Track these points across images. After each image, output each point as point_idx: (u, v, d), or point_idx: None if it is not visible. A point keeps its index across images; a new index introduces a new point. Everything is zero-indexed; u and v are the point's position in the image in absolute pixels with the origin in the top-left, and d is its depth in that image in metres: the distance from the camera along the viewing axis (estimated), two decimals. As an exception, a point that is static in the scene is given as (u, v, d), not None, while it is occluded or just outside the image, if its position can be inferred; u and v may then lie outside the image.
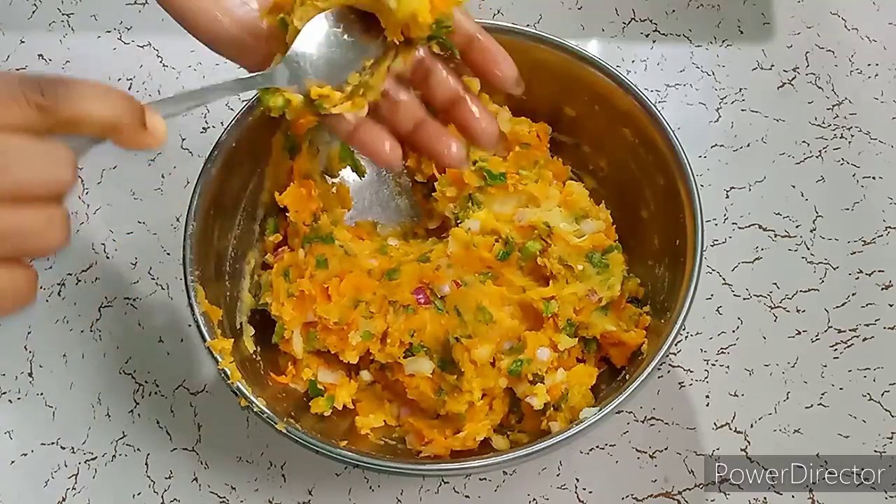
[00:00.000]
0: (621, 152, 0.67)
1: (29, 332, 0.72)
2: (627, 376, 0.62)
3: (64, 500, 0.67)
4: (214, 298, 0.61)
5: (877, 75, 0.80)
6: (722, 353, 0.70)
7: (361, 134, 0.56)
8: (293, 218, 0.66)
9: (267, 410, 0.58)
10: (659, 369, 0.57)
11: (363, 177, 0.70)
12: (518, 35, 0.67)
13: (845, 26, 0.82)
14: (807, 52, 0.81)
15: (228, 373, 0.59)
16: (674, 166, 0.63)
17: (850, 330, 0.70)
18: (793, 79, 0.80)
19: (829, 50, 0.81)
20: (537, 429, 0.62)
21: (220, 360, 0.59)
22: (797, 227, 0.74)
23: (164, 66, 0.82)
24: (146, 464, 0.68)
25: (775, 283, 0.72)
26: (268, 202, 0.68)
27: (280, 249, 0.67)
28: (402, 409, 0.65)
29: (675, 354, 0.70)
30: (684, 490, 0.66)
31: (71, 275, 0.74)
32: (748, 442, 0.67)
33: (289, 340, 0.64)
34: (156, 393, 0.70)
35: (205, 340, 0.59)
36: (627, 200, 0.68)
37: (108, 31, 0.84)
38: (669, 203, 0.63)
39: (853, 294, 0.71)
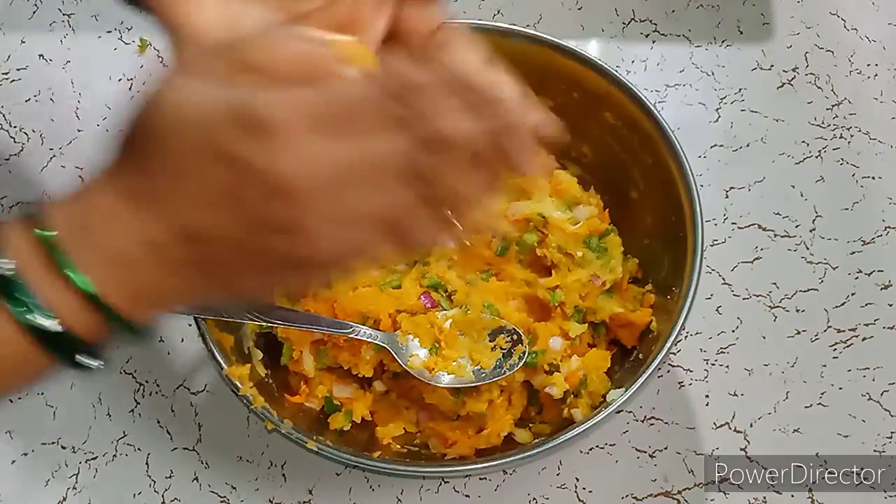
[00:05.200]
0: (604, 136, 0.68)
1: (29, 332, 0.72)
2: (640, 356, 0.62)
3: (65, 499, 0.67)
4: (220, 326, 0.61)
5: (876, 75, 0.80)
6: (721, 352, 0.70)
7: None
8: None
9: (295, 431, 0.58)
10: (672, 354, 0.57)
11: None
12: (486, 30, 0.67)
13: (845, 26, 0.82)
14: (806, 53, 0.81)
15: (250, 398, 0.58)
16: (674, 167, 0.63)
17: (849, 330, 0.70)
18: (792, 79, 0.80)
19: (829, 50, 0.81)
20: (559, 418, 0.63)
21: (240, 386, 0.58)
22: (797, 227, 0.74)
23: (164, 66, 0.82)
24: (147, 463, 0.68)
25: (775, 283, 0.72)
26: None
27: None
28: (420, 415, 0.65)
29: (674, 354, 0.70)
30: (684, 490, 0.66)
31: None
32: (748, 441, 0.67)
33: (298, 360, 0.64)
34: (156, 392, 0.70)
35: (221, 369, 0.59)
36: (615, 183, 0.68)
37: (109, 32, 0.84)
38: (659, 180, 0.64)
39: (852, 294, 0.72)
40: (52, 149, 0.79)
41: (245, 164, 0.35)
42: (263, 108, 0.34)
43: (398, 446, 0.63)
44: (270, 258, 0.37)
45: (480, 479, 0.66)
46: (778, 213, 0.75)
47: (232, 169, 0.35)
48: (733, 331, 0.71)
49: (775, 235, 0.74)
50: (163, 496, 0.67)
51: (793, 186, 0.76)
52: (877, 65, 0.80)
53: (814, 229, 0.74)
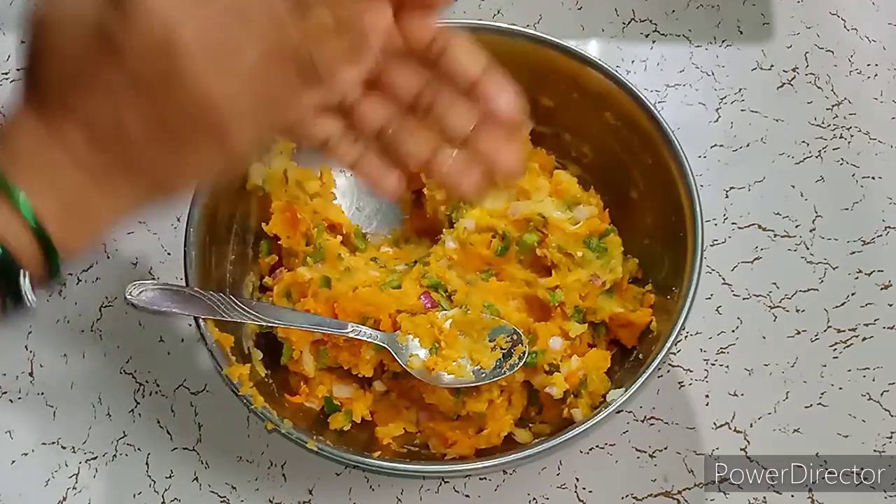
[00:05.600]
0: (604, 136, 0.68)
1: (29, 332, 0.72)
2: (640, 356, 0.62)
3: (65, 499, 0.67)
4: (220, 326, 0.61)
5: (876, 75, 0.80)
6: (721, 352, 0.70)
7: (363, 165, 0.47)
8: (285, 244, 0.66)
9: (295, 431, 0.58)
10: (672, 354, 0.57)
11: None
12: (486, 30, 0.67)
13: (845, 26, 0.82)
14: (806, 53, 0.81)
15: (250, 398, 0.58)
16: (674, 167, 0.63)
17: (849, 330, 0.70)
18: (792, 79, 0.80)
19: (829, 50, 0.81)
20: (559, 418, 0.63)
21: (240, 386, 0.59)
22: (797, 227, 0.74)
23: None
24: (147, 463, 0.68)
25: (775, 283, 0.72)
26: (257, 226, 0.68)
27: (277, 271, 0.67)
28: (420, 415, 0.65)
29: (674, 354, 0.70)
30: (684, 490, 0.66)
31: (71, 275, 0.74)
32: (748, 441, 0.67)
33: (298, 360, 0.64)
34: (156, 392, 0.70)
35: (221, 369, 0.59)
36: (615, 183, 0.69)
37: (109, 32, 0.84)
38: (659, 180, 0.64)
39: (852, 294, 0.72)
40: (52, 149, 0.79)
41: (118, 34, 0.36)
42: None
43: (398, 446, 0.63)
44: (181, 125, 0.37)
45: (480, 479, 0.66)
46: (778, 213, 0.75)
47: (108, 48, 0.36)
48: (733, 331, 0.71)
49: (775, 235, 0.74)
50: (163, 496, 0.67)
51: (793, 186, 0.76)
52: (877, 65, 0.80)
53: (814, 229, 0.74)
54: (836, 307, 0.71)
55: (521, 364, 0.61)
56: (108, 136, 0.38)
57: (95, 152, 0.38)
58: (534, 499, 0.66)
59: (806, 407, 0.68)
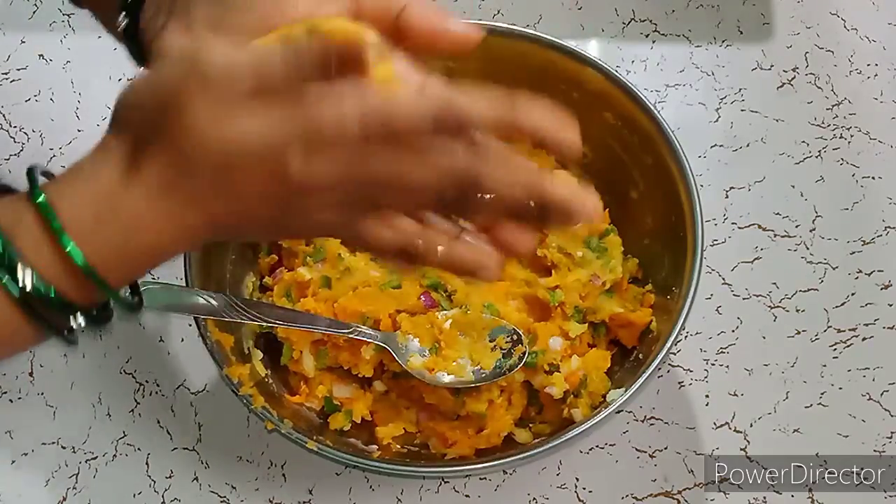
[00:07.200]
0: (604, 136, 0.68)
1: (29, 332, 0.72)
2: (640, 356, 0.63)
3: (64, 499, 0.67)
4: (220, 326, 0.61)
5: (876, 75, 0.80)
6: (721, 352, 0.70)
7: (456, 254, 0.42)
8: (285, 244, 0.66)
9: (295, 431, 0.58)
10: (672, 354, 0.57)
11: None
12: (486, 30, 0.67)
13: (845, 26, 0.82)
14: (806, 53, 0.81)
15: (251, 398, 0.58)
16: (674, 167, 0.63)
17: (849, 330, 0.70)
18: (792, 79, 0.80)
19: (829, 50, 0.81)
20: (559, 418, 0.63)
21: (240, 386, 0.59)
22: (797, 226, 0.74)
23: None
24: (147, 463, 0.68)
25: (775, 283, 0.72)
26: None
27: (278, 270, 0.67)
28: (420, 415, 0.64)
29: (674, 354, 0.70)
30: (684, 490, 0.66)
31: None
32: (748, 441, 0.67)
33: (298, 360, 0.64)
34: (156, 392, 0.70)
35: (221, 369, 0.59)
36: (615, 183, 0.68)
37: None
38: (659, 180, 0.64)
39: (852, 294, 0.72)
40: (52, 149, 0.79)
41: (293, 180, 0.38)
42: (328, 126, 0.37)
43: (398, 446, 0.63)
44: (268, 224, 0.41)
45: (480, 479, 0.66)
46: (778, 213, 0.75)
47: (283, 183, 0.38)
48: (733, 331, 0.71)
49: (775, 235, 0.74)
50: (163, 496, 0.67)
51: (793, 186, 0.76)
52: (877, 65, 0.80)
53: (814, 229, 0.74)
54: (836, 307, 0.71)
55: (521, 364, 0.61)
56: (226, 229, 0.41)
57: (205, 236, 0.40)
58: (534, 499, 0.66)
59: (806, 407, 0.68)
